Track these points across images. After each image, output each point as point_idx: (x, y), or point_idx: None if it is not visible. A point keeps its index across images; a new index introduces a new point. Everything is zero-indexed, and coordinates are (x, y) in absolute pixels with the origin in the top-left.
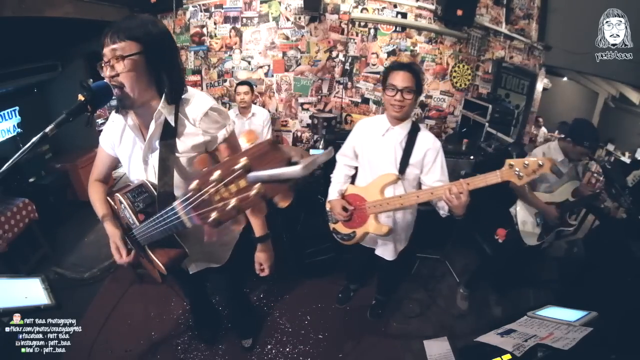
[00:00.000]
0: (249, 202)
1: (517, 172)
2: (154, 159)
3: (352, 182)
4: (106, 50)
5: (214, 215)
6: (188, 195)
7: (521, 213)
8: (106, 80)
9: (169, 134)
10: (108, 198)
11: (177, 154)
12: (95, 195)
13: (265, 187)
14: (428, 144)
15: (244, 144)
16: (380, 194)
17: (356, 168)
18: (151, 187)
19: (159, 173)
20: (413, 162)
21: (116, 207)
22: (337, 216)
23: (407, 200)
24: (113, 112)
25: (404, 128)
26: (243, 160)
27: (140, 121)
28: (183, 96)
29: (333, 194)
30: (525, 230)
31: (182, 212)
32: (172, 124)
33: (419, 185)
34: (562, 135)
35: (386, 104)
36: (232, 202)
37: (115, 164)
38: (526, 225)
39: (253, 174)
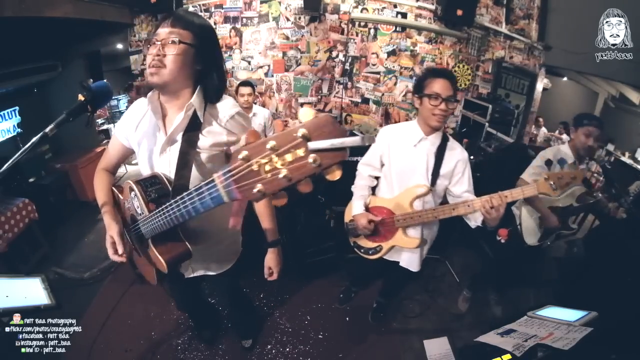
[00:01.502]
0: (305, 171)
1: (551, 185)
2: (172, 152)
3: (372, 193)
4: (161, 31)
5: (258, 187)
6: (234, 166)
7: (524, 212)
8: (148, 56)
9: (195, 128)
10: (113, 188)
11: (197, 149)
12: (100, 183)
13: (322, 156)
14: (458, 154)
15: (304, 117)
16: (409, 206)
17: (377, 178)
18: (165, 179)
19: (178, 166)
20: (443, 173)
21: (122, 198)
22: (363, 230)
23: (442, 213)
24: (139, 99)
25: (437, 138)
26: (302, 130)
27: (167, 111)
28: None
29: (358, 207)
30: (526, 229)
31: (221, 185)
32: (201, 119)
33: (445, 196)
34: (571, 137)
35: (426, 113)
36: (284, 171)
37: (127, 155)
38: (528, 225)
39: (313, 142)
